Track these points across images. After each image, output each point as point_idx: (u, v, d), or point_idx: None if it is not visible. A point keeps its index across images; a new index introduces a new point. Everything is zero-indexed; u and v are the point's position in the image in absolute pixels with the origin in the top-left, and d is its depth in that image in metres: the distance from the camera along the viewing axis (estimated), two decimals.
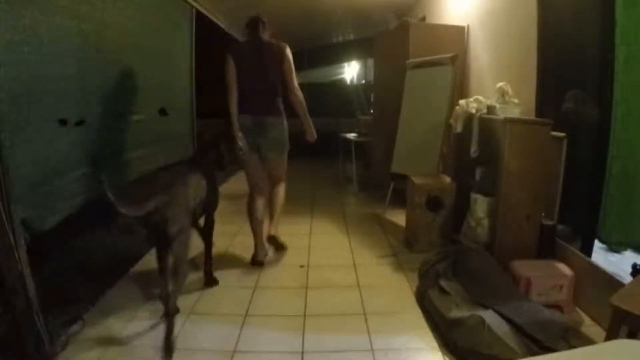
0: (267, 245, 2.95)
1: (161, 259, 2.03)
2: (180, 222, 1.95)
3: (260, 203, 2.89)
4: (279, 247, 3.06)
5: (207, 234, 2.55)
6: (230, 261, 2.99)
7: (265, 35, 2.79)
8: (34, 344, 1.75)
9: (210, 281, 2.56)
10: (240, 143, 2.69)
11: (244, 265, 2.91)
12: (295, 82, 2.81)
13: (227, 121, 2.72)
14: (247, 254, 3.09)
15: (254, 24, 2.76)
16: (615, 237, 2.08)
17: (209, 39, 4.96)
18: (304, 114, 2.89)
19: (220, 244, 3.18)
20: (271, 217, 2.98)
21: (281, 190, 3.01)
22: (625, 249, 2.44)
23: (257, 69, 2.70)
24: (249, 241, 2.99)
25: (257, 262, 2.87)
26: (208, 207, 2.46)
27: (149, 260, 2.96)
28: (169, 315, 1.91)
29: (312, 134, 2.97)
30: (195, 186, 2.20)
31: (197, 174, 2.26)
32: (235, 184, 5.69)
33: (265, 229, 2.91)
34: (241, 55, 2.70)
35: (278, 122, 2.80)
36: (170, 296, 1.95)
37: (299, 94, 2.82)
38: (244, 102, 2.73)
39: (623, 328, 1.49)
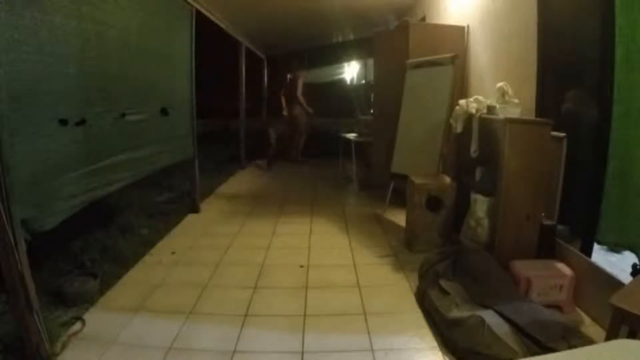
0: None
1: (269, 147, 6.81)
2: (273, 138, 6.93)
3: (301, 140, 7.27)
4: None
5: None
6: (231, 261, 3.00)
7: (293, 74, 7.03)
8: (34, 344, 1.75)
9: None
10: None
11: (244, 265, 2.91)
12: (300, 93, 6.85)
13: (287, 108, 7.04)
14: (247, 254, 3.11)
15: (290, 69, 7.14)
16: (611, 237, 2.08)
17: (209, 39, 4.97)
18: (302, 104, 6.93)
19: (220, 244, 3.32)
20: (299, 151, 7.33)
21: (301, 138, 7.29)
22: (622, 250, 2.43)
23: (290, 89, 6.99)
24: (249, 241, 3.40)
25: (294, 161, 7.15)
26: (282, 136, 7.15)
27: (149, 260, 2.99)
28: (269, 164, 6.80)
29: (309, 111, 7.04)
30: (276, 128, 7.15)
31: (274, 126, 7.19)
32: (235, 185, 5.70)
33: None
34: (285, 84, 7.11)
35: (299, 109, 7.00)
36: (270, 156, 6.81)
37: (301, 97, 6.89)
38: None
39: (623, 328, 1.49)
